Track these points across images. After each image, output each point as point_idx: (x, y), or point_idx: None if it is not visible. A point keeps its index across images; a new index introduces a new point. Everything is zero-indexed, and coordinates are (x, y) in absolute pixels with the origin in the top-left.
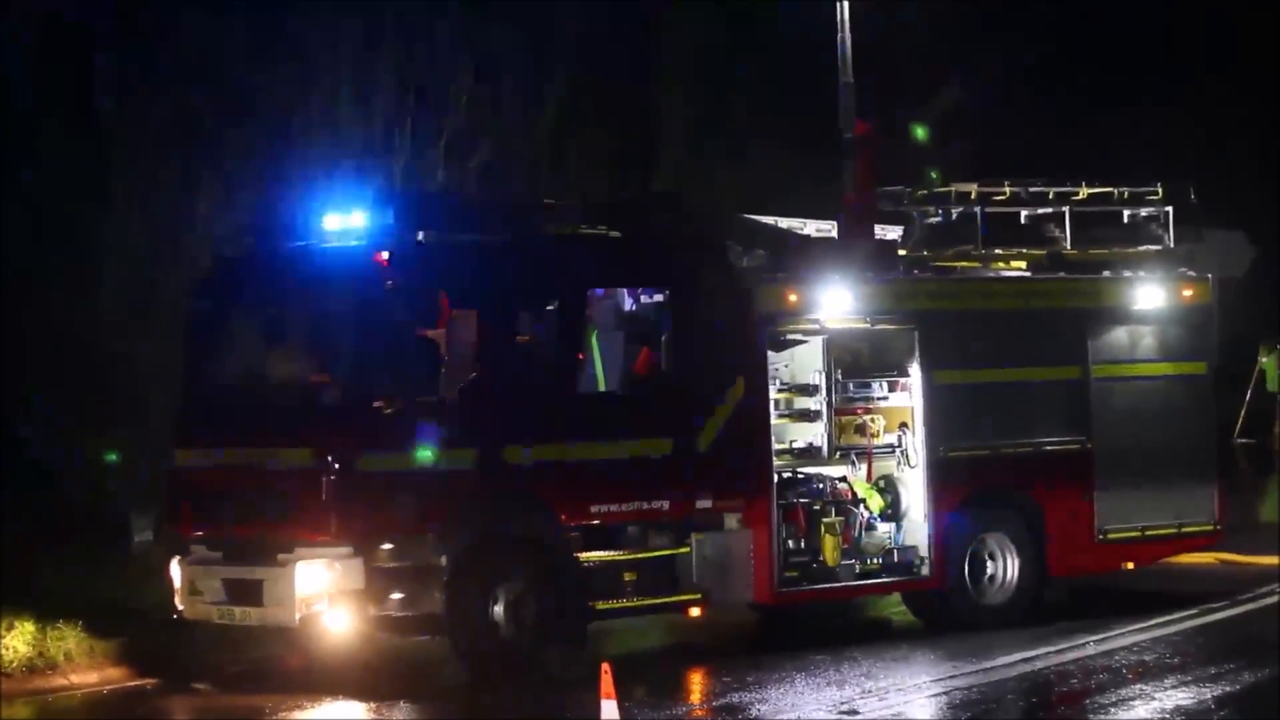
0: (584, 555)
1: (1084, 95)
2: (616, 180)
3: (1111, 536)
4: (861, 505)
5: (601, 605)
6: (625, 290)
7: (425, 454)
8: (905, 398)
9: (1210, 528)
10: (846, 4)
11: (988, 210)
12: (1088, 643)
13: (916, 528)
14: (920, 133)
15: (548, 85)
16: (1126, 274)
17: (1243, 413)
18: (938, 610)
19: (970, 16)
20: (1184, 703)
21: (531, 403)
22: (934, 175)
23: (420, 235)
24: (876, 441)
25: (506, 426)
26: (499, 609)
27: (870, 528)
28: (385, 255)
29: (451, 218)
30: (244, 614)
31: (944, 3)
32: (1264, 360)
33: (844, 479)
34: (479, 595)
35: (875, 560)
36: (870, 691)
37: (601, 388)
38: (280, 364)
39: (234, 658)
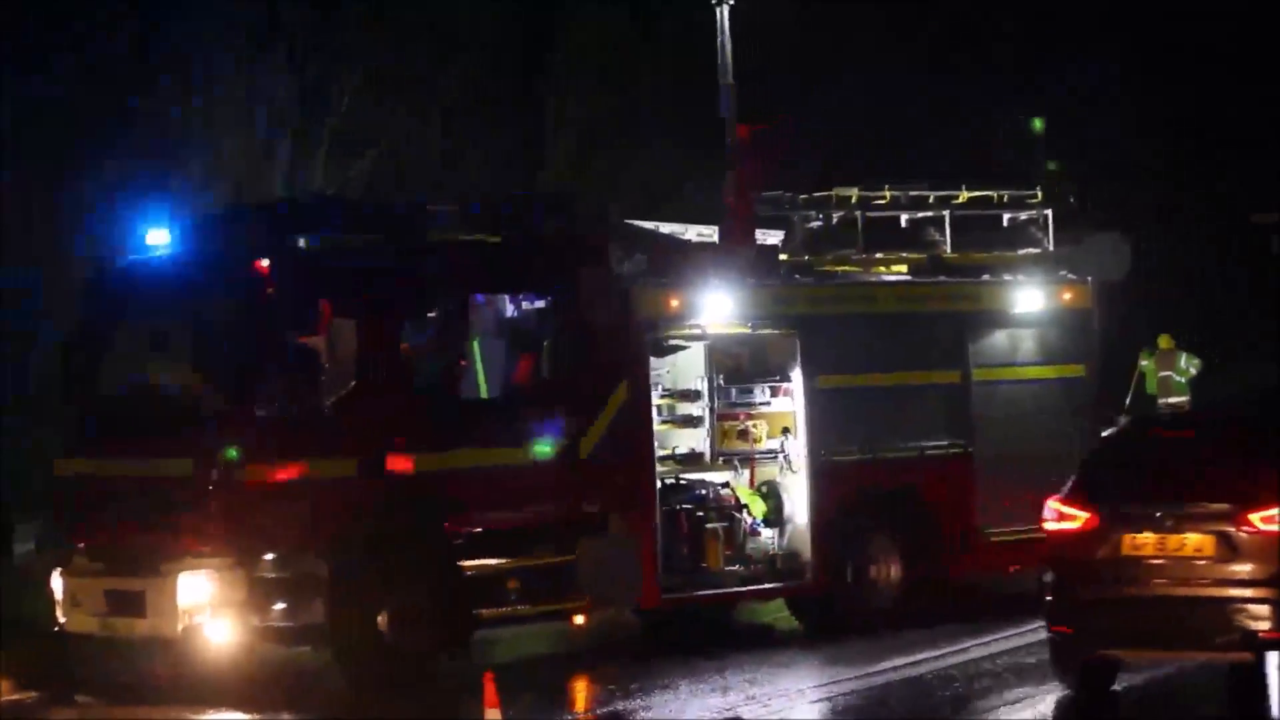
0: (468, 563)
1: (966, 92)
2: (504, 185)
3: (994, 539)
4: (744, 510)
5: (486, 613)
6: (508, 296)
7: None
8: (787, 402)
9: None
10: (726, 8)
11: (868, 214)
12: (970, 646)
13: (799, 532)
14: (1038, 125)
15: (435, 90)
16: (1007, 277)
17: (1123, 416)
18: (821, 614)
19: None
20: (1066, 705)
21: (414, 410)
22: (1052, 166)
23: (302, 242)
24: (759, 446)
25: (389, 434)
26: (383, 618)
27: (754, 533)
28: (266, 263)
29: (333, 224)
30: (127, 625)
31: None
32: (1144, 364)
33: (727, 484)
34: (363, 605)
35: (759, 565)
36: (754, 697)
37: (484, 394)
38: (163, 373)
39: (117, 670)
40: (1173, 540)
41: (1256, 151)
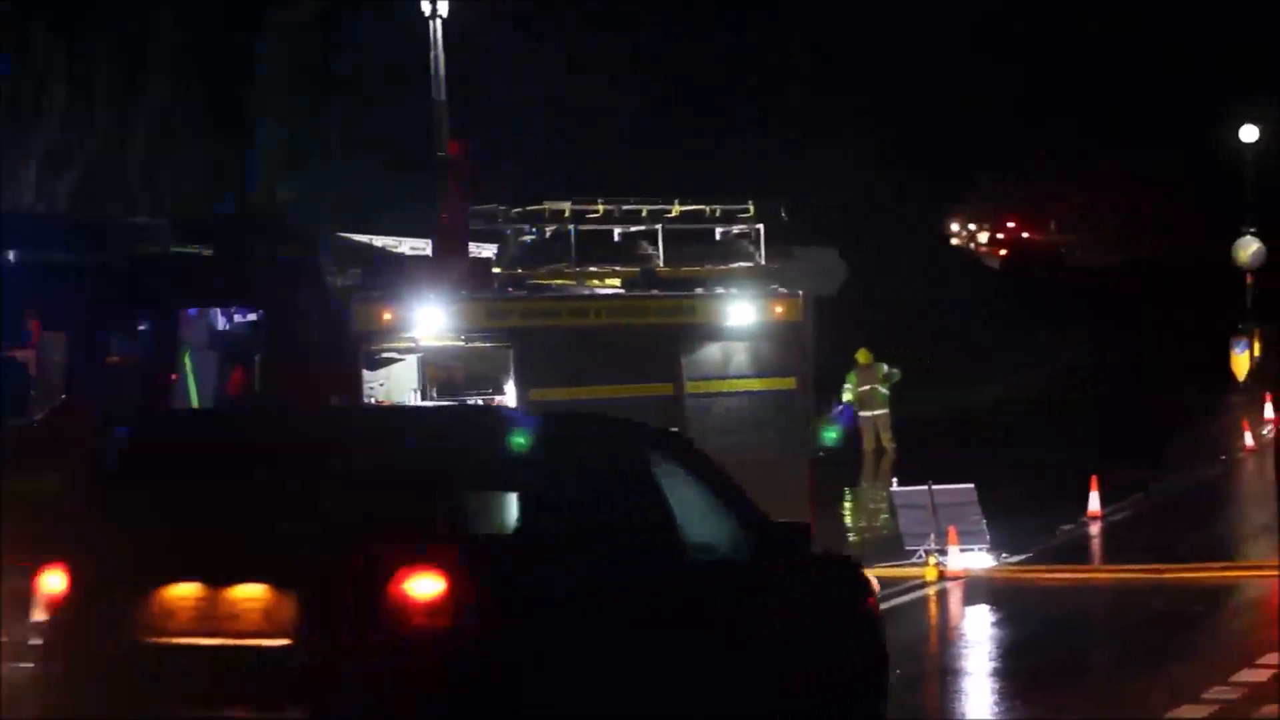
0: None
1: (682, 112)
2: (213, 199)
3: None
4: None
5: None
6: (220, 310)
7: None
8: None
9: None
10: (439, 23)
11: (581, 228)
12: None
13: None
14: None
15: (142, 101)
16: (719, 291)
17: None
18: None
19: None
20: None
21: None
22: None
23: (10, 255)
24: None
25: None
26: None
27: None
28: None
29: (42, 237)
30: None
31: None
32: (848, 385)
33: None
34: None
35: None
36: None
37: (194, 408)
38: None
39: None
40: None
41: (955, 171)
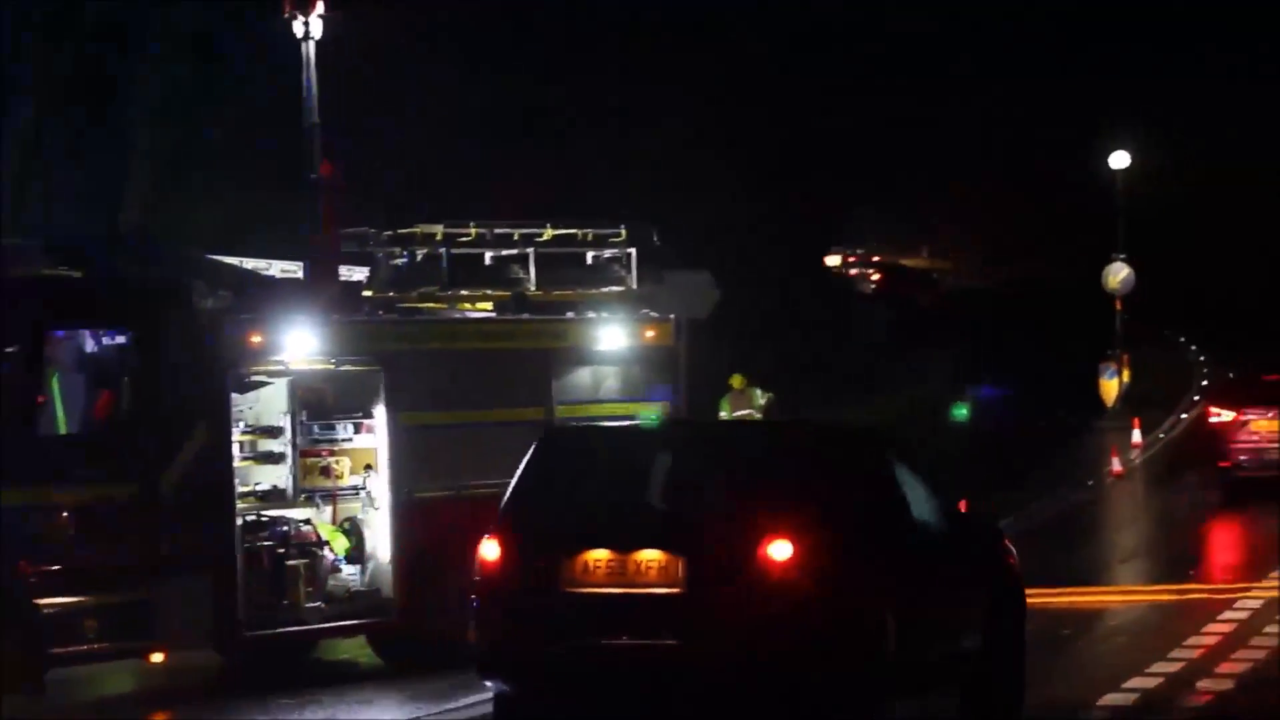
0: (43, 601)
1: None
2: (80, 221)
3: None
4: (326, 547)
5: (61, 652)
6: (88, 332)
7: None
8: (371, 439)
9: None
10: (312, 45)
11: (453, 251)
12: None
13: (382, 569)
14: None
15: (11, 121)
16: (590, 315)
17: None
18: (404, 651)
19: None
20: None
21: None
22: None
23: None
24: (341, 483)
25: None
26: None
27: (335, 569)
28: None
29: None
30: None
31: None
32: (722, 413)
33: (308, 521)
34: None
35: (341, 601)
36: None
37: (62, 431)
38: None
39: None
40: None
41: (828, 195)
